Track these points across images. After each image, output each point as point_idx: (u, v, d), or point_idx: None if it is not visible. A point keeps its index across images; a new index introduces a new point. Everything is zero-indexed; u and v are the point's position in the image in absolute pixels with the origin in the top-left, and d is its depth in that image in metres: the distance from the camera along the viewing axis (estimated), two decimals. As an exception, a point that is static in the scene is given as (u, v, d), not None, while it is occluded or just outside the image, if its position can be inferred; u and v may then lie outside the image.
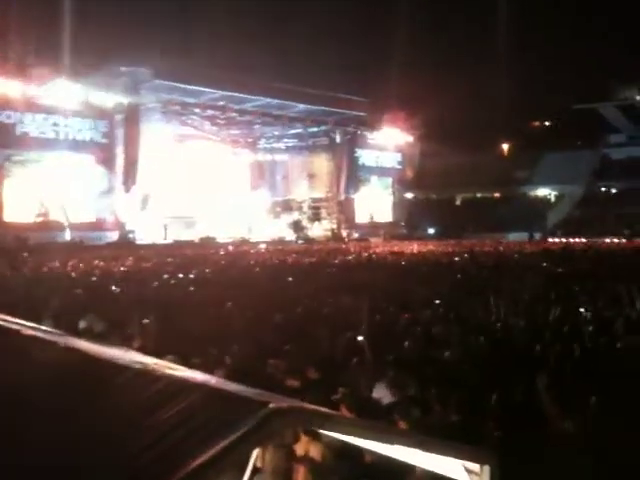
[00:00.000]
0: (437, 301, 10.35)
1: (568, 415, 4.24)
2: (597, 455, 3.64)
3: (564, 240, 37.08)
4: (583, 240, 36.02)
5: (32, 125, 30.57)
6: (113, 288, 13.55)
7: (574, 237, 38.27)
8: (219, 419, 1.89)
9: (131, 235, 33.12)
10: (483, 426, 4.34)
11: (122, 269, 19.04)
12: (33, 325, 3.87)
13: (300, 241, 38.86)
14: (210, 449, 1.74)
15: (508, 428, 4.29)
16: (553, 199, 53.04)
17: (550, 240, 39.06)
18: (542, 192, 54.11)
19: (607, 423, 4.18)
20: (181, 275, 16.12)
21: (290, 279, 14.86)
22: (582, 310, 8.96)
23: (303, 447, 3.97)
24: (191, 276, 16.04)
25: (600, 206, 46.60)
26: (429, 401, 4.84)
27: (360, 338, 7.06)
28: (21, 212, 30.28)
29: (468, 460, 2.22)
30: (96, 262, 20.61)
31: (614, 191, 51.55)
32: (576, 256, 21.68)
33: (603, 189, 51.91)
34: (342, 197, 43.67)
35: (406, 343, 7.06)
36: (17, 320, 3.82)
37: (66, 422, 2.16)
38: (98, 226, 32.48)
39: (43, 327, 4.05)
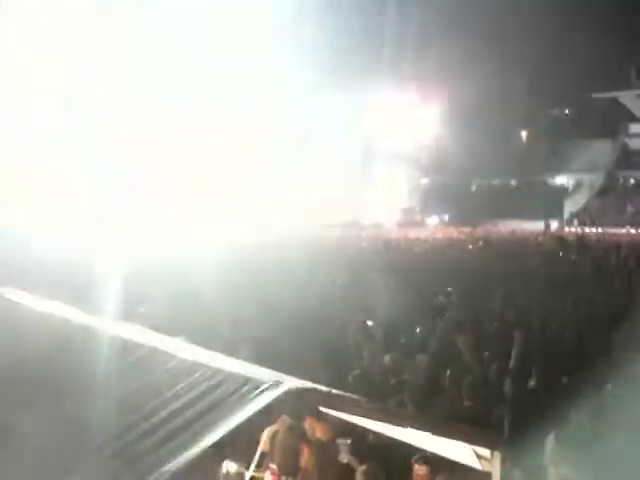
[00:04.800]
0: (449, 289, 10.31)
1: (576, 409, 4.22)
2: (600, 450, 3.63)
3: (580, 230, 36.71)
4: (600, 230, 35.64)
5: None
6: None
7: (591, 227, 37.89)
8: (233, 398, 1.90)
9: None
10: (494, 413, 4.35)
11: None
12: (48, 302, 3.90)
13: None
14: (223, 427, 1.76)
15: (518, 417, 4.29)
16: (571, 188, 52.50)
17: (566, 229, 38.75)
18: (560, 181, 53.58)
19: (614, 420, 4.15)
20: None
21: (304, 261, 14.83)
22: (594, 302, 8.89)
23: (311, 427, 4.00)
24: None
25: (619, 196, 46.11)
26: (441, 387, 4.85)
27: (370, 323, 7.09)
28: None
29: (479, 445, 2.23)
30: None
31: (632, 181, 50.97)
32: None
33: (622, 179, 51.34)
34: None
35: (417, 329, 7.07)
36: (35, 296, 3.86)
37: (81, 395, 2.19)
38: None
39: (58, 303, 4.08)
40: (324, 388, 2.12)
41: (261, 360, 2.85)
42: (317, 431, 3.93)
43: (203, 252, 13.22)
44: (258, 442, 3.29)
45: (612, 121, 51.55)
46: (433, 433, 2.19)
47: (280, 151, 39.90)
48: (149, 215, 26.27)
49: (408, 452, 3.30)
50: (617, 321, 6.95)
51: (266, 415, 1.88)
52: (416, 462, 3.41)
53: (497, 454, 2.19)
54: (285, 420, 3.75)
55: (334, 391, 2.18)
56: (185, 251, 14.69)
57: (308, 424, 3.97)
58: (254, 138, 37.51)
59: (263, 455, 3.60)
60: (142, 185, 30.20)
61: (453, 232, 31.48)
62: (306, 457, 3.71)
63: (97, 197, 28.19)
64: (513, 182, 54.42)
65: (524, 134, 58.23)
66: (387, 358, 5.70)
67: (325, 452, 3.75)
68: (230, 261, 12.69)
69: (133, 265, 10.13)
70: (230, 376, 2.08)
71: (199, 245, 16.37)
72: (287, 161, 38.89)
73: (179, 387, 2.03)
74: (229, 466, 3.44)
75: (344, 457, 3.64)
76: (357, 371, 5.13)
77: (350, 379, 4.89)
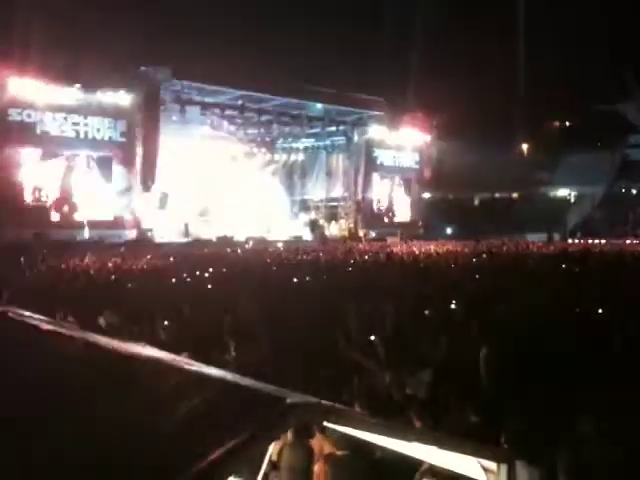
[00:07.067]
0: (454, 302, 10.29)
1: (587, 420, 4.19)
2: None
3: (583, 241, 36.72)
4: (603, 241, 35.64)
5: (52, 124, 30.83)
6: (131, 285, 13.65)
7: (594, 238, 37.88)
8: (236, 414, 1.90)
9: (149, 234, 33.34)
10: (500, 426, 4.32)
11: (140, 267, 19.17)
12: (52, 321, 3.91)
13: (317, 240, 38.83)
14: (227, 443, 1.75)
15: (524, 429, 4.26)
16: (573, 200, 52.62)
17: (570, 241, 38.71)
18: (562, 193, 53.69)
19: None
20: (198, 273, 16.20)
21: (307, 278, 14.87)
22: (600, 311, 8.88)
23: (318, 443, 3.98)
24: (206, 275, 16.11)
25: (621, 207, 46.18)
26: (446, 400, 4.82)
27: (372, 338, 7.08)
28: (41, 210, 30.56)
29: (485, 458, 2.21)
30: (115, 260, 20.76)
31: (634, 192, 51.05)
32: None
33: (623, 190, 51.43)
34: (359, 197, 43.58)
35: (422, 344, 7.05)
36: (37, 316, 3.86)
37: (86, 415, 2.18)
38: (117, 224, 32.68)
39: (62, 323, 4.09)
40: (328, 403, 2.10)
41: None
42: (325, 446, 3.91)
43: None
44: (263, 458, 3.27)
45: (612, 132, 51.67)
46: (439, 446, 2.18)
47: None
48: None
49: (414, 466, 3.28)
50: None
51: (272, 430, 1.86)
52: (422, 476, 3.39)
53: (503, 467, 2.18)
54: (291, 435, 3.73)
55: (338, 406, 2.16)
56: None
57: (315, 439, 3.95)
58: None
59: (268, 471, 3.58)
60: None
61: (457, 245, 31.47)
62: (318, 473, 3.69)
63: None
64: (515, 195, 54.59)
65: (525, 147, 58.42)
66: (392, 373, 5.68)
67: (336, 467, 3.73)
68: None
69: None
70: (233, 391, 2.07)
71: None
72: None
73: (184, 403, 2.02)
74: (234, 483, 3.42)
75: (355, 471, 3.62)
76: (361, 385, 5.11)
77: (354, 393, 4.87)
